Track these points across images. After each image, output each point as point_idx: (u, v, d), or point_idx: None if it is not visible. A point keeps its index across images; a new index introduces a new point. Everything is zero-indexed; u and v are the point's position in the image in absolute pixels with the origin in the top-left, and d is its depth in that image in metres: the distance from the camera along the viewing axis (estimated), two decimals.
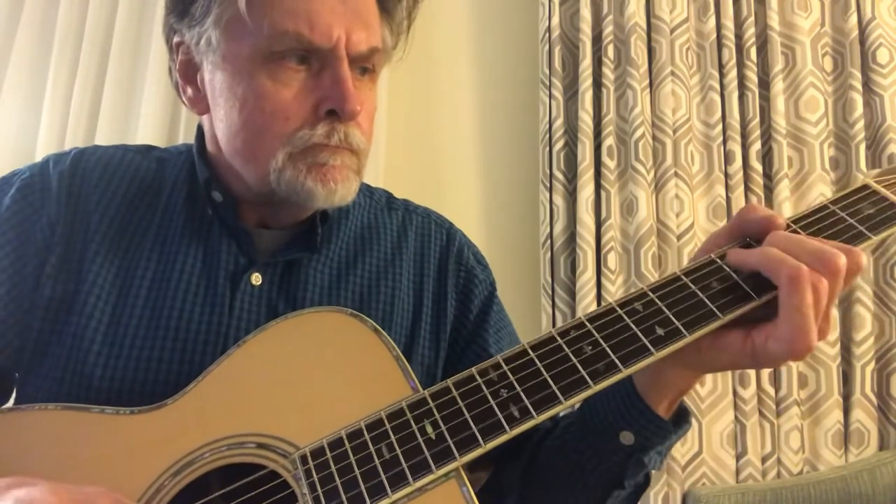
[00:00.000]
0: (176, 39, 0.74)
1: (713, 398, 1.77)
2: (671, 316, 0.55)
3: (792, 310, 0.52)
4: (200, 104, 0.74)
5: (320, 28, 0.66)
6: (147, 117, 2.13)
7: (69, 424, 0.62)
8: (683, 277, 0.58)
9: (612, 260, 1.83)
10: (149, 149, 0.82)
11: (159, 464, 0.58)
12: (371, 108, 0.73)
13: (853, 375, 1.74)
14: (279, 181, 0.68)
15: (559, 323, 1.86)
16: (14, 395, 0.73)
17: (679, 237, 1.82)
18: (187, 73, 0.74)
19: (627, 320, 0.56)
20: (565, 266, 1.90)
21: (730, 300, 0.55)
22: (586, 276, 1.83)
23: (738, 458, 1.76)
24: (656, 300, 0.57)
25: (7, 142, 2.21)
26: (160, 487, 0.57)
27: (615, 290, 1.82)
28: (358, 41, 0.68)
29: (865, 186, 0.62)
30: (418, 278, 0.82)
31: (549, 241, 1.90)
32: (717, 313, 0.55)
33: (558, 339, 0.57)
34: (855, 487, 1.61)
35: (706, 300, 0.56)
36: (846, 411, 1.75)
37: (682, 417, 0.66)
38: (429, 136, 2.12)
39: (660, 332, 0.55)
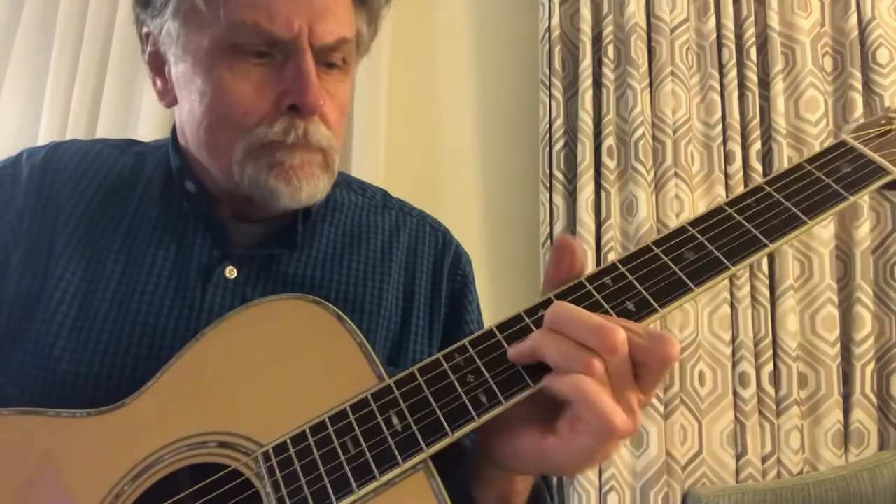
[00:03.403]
0: (144, 30, 0.72)
1: (713, 398, 1.77)
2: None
3: (571, 396, 0.47)
4: (168, 96, 0.72)
5: (280, 18, 0.63)
6: (147, 117, 2.13)
7: (23, 429, 0.59)
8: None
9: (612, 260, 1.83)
10: (129, 143, 0.80)
11: (119, 467, 0.55)
12: (341, 102, 0.70)
13: (853, 375, 1.73)
14: (241, 175, 0.66)
15: None
16: None
17: None
18: (156, 64, 0.72)
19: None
20: None
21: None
22: None
23: (738, 458, 1.76)
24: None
25: (7, 142, 2.21)
26: (120, 493, 0.54)
27: None
28: (323, 32, 0.65)
29: (842, 143, 0.58)
30: (409, 280, 0.79)
31: (549, 242, 1.90)
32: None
33: (525, 318, 0.54)
34: (855, 487, 1.61)
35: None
36: (846, 411, 1.75)
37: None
38: (429, 135, 2.12)
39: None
